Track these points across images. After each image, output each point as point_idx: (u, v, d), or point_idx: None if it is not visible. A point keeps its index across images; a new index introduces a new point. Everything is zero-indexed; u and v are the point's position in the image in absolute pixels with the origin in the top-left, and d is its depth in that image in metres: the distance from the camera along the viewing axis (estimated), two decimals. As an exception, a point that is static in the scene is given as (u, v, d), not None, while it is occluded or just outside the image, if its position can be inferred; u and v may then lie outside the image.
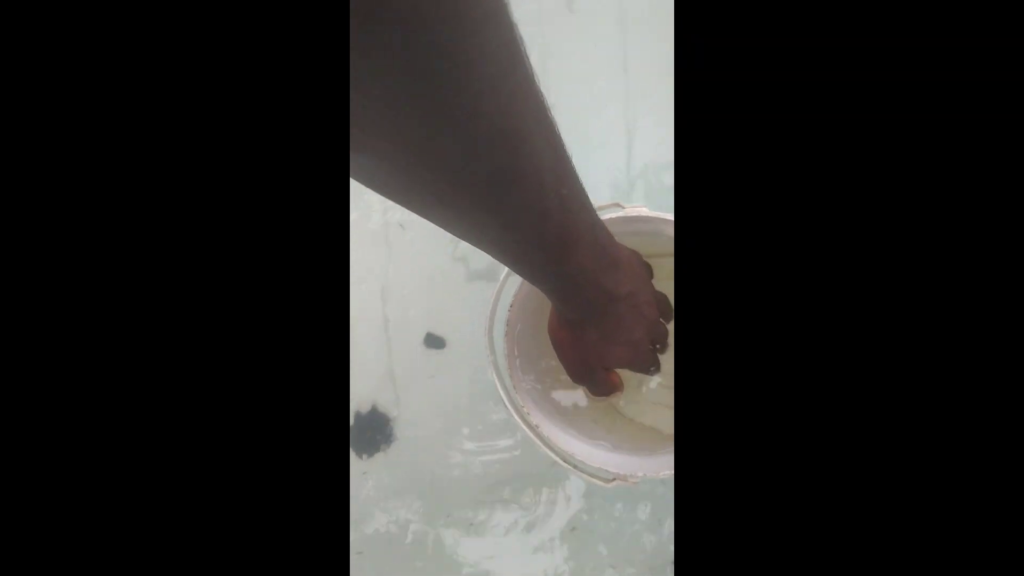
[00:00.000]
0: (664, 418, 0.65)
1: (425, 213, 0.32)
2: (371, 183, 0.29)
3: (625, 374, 0.56)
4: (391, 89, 0.22)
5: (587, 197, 0.37)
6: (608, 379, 0.52)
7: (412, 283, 0.75)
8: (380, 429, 0.74)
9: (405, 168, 0.27)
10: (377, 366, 0.74)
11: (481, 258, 0.76)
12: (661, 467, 0.54)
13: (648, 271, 0.49)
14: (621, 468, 0.55)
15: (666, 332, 0.52)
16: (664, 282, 0.53)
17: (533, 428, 0.56)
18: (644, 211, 0.55)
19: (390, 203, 0.46)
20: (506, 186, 0.30)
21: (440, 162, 0.27)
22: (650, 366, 0.52)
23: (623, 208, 0.56)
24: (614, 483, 0.55)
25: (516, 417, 0.56)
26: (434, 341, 0.74)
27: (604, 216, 0.56)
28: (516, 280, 0.57)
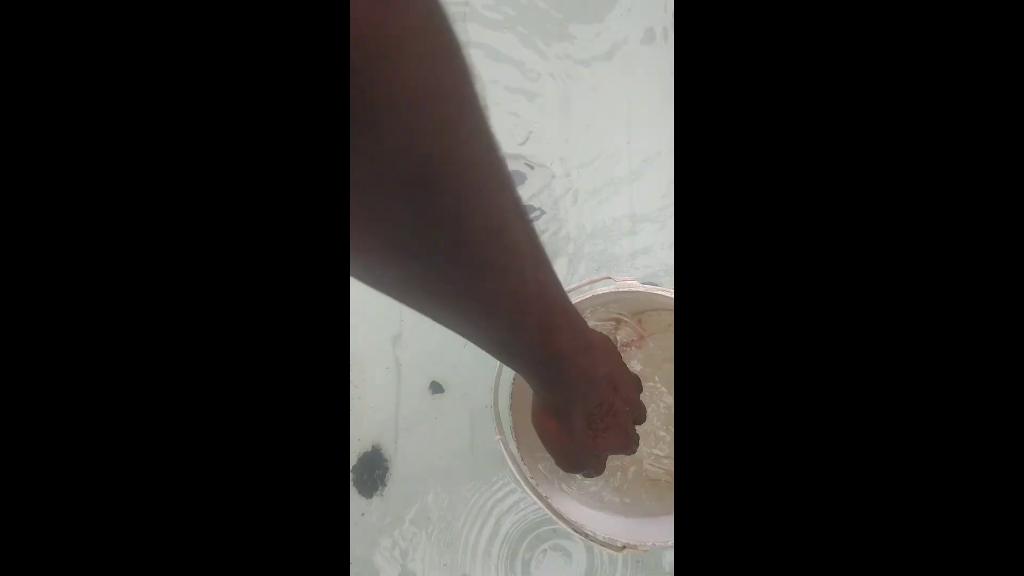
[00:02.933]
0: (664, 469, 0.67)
1: (411, 302, 0.34)
2: (362, 277, 0.31)
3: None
4: (385, 193, 0.25)
5: (560, 284, 0.39)
6: (601, 464, 0.52)
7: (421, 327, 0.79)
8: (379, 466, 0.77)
9: (395, 262, 0.29)
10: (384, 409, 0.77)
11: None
12: (671, 534, 0.56)
13: (617, 354, 0.50)
14: (631, 536, 0.56)
15: (644, 410, 0.53)
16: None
17: (543, 499, 0.57)
18: (635, 284, 0.58)
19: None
20: (489, 275, 0.32)
21: (429, 258, 0.29)
22: (634, 445, 0.52)
23: (614, 281, 0.59)
24: (624, 551, 0.56)
25: (528, 491, 0.58)
26: (438, 386, 0.78)
27: (596, 290, 0.59)
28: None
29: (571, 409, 0.45)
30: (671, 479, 0.68)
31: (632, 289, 0.57)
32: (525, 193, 0.87)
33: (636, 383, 0.52)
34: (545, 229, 0.85)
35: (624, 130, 0.88)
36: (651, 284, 0.60)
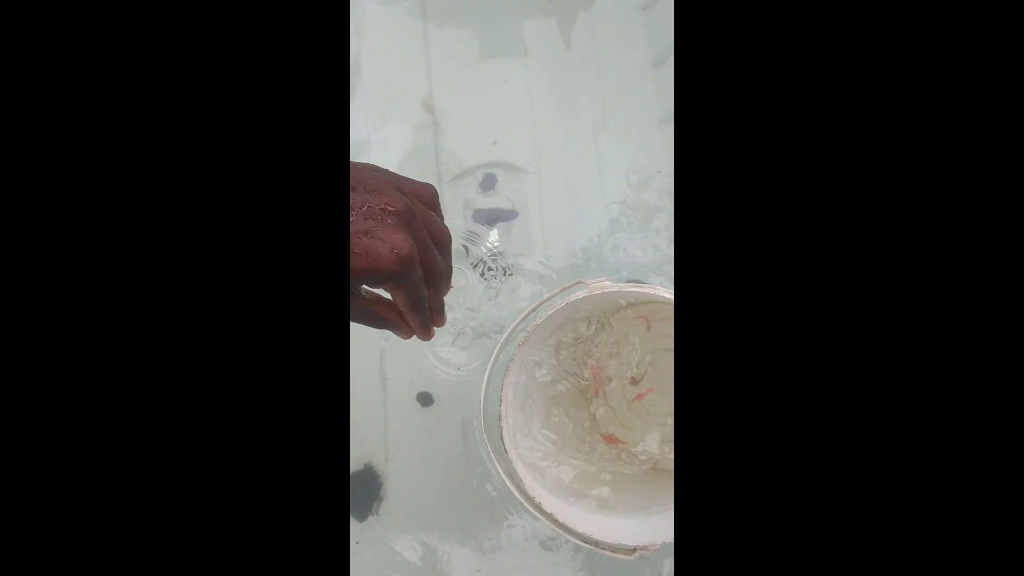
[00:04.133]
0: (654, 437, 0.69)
1: None
2: None
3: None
4: None
5: None
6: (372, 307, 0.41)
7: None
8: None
9: None
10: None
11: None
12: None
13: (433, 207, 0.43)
14: (639, 537, 0.56)
15: (448, 234, 0.44)
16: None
17: (548, 516, 0.57)
18: (607, 285, 0.58)
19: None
20: None
21: None
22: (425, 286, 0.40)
23: (587, 285, 0.59)
24: (636, 554, 0.56)
25: (531, 508, 0.57)
26: (427, 398, 0.78)
27: (570, 298, 0.58)
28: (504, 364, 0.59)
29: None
30: (663, 465, 0.68)
31: (605, 290, 0.57)
32: (497, 196, 0.87)
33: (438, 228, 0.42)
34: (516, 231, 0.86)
35: (591, 128, 0.89)
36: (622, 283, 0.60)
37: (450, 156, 0.90)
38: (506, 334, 0.61)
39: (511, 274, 0.85)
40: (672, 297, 0.55)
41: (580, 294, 0.58)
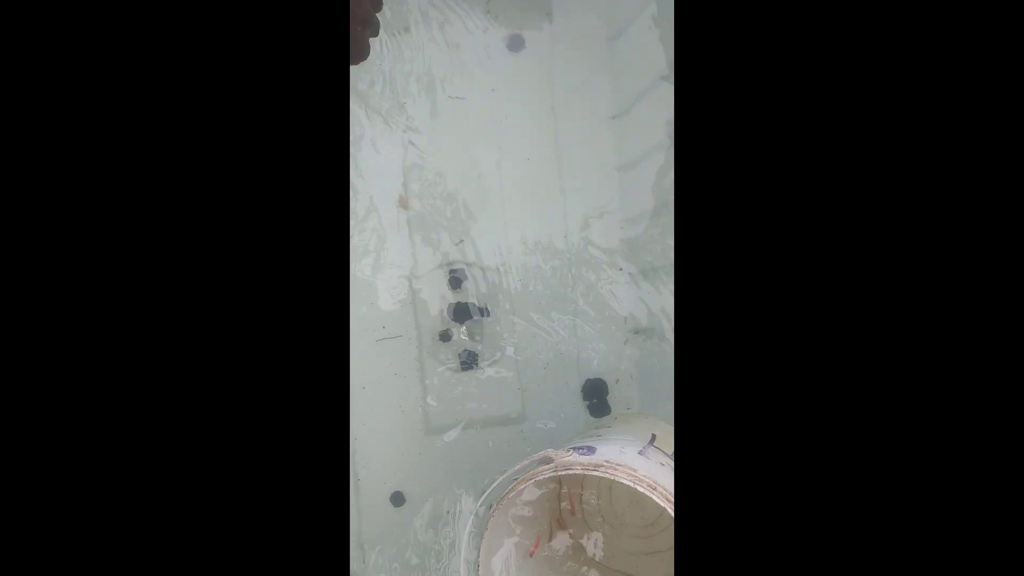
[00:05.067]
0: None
1: None
2: None
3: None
4: None
5: None
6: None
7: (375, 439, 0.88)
8: None
9: None
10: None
11: (440, 414, 0.85)
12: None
13: None
14: None
15: None
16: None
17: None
18: (572, 457, 0.61)
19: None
20: None
21: None
22: None
23: (552, 459, 0.62)
24: None
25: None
26: (399, 498, 0.87)
27: (538, 475, 0.62)
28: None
29: None
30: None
31: (571, 472, 0.61)
32: (463, 295, 0.90)
33: None
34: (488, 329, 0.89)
35: (561, 219, 0.90)
36: (588, 449, 0.63)
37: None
38: (483, 496, 0.65)
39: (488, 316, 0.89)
40: (629, 483, 0.58)
41: (546, 470, 0.61)
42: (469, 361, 0.90)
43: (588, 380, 0.91)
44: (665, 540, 0.76)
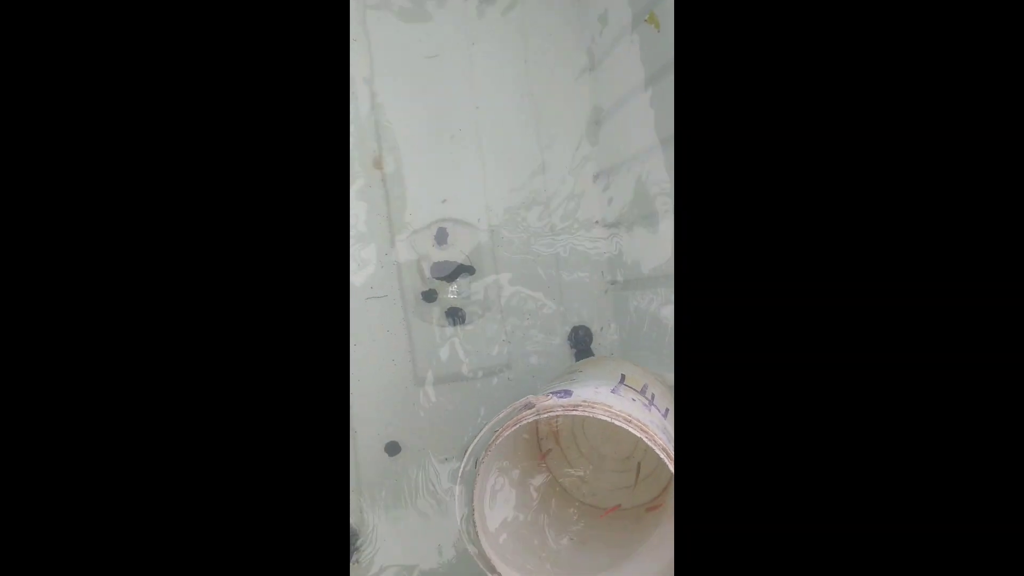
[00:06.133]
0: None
1: None
2: None
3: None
4: None
5: None
6: None
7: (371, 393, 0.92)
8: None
9: None
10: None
11: (441, 367, 0.89)
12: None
13: None
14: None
15: None
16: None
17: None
18: (552, 401, 0.65)
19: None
20: None
21: None
22: None
23: (534, 404, 0.66)
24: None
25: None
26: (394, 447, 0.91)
27: (522, 420, 0.65)
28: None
29: None
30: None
31: (552, 413, 0.65)
32: (450, 251, 0.93)
33: None
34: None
35: (540, 173, 0.93)
36: (564, 392, 0.67)
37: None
38: (468, 452, 0.69)
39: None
40: (606, 418, 0.62)
41: (528, 415, 0.65)
42: (455, 316, 0.94)
43: (573, 328, 0.95)
44: (641, 472, 0.81)
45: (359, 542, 0.90)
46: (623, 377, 0.74)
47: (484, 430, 0.68)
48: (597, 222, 0.95)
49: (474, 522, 0.68)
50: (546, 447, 0.85)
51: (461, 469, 0.69)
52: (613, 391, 0.68)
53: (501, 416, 0.68)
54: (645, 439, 0.61)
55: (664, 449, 0.60)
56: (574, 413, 0.64)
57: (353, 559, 0.88)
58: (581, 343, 0.95)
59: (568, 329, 0.95)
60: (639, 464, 0.82)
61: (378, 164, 0.92)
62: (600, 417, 0.62)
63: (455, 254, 0.94)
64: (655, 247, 0.83)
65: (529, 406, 0.66)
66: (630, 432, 0.61)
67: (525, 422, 0.65)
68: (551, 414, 0.64)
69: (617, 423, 0.62)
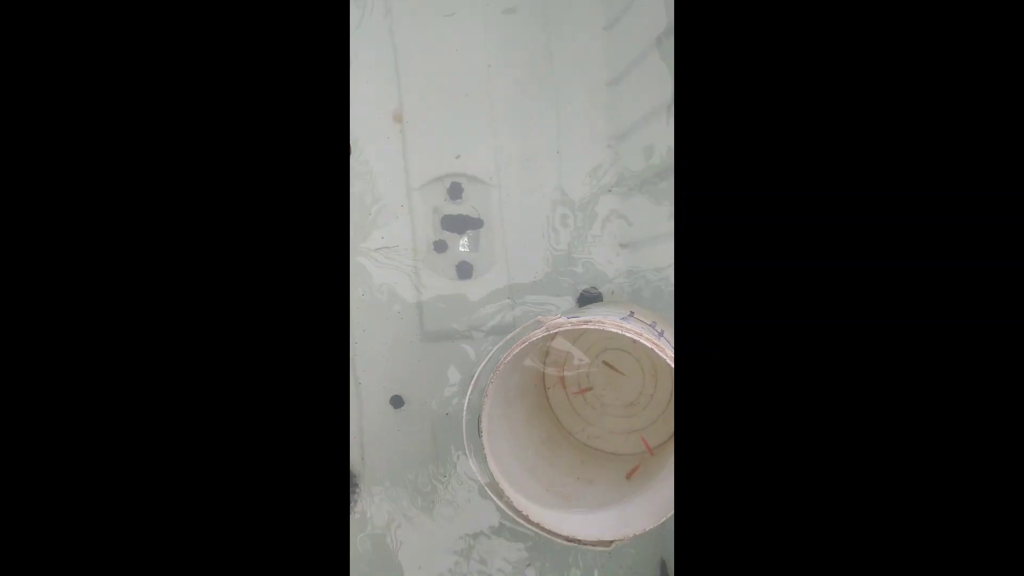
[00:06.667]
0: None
1: None
2: None
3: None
4: None
5: None
6: None
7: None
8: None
9: None
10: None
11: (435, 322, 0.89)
12: (642, 521, 0.65)
13: None
14: (615, 531, 0.66)
15: None
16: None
17: (536, 524, 0.66)
18: (561, 321, 0.65)
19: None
20: None
21: None
22: None
23: (543, 323, 0.66)
24: (613, 545, 0.66)
25: (518, 519, 0.67)
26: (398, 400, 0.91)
27: (531, 338, 0.65)
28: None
29: None
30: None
31: (561, 328, 0.64)
32: (463, 206, 0.93)
33: None
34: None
35: (554, 136, 0.94)
36: (574, 315, 0.67)
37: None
38: (476, 372, 0.69)
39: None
40: (616, 331, 0.62)
41: (539, 332, 0.65)
42: (464, 270, 0.94)
43: (583, 291, 0.95)
44: (646, 418, 0.80)
45: (358, 490, 0.89)
46: (632, 312, 0.74)
47: (495, 349, 0.68)
48: (611, 190, 0.96)
49: (482, 444, 0.67)
50: (549, 384, 0.85)
51: (467, 396, 0.68)
52: (623, 320, 0.68)
53: (508, 337, 0.68)
54: (656, 350, 0.61)
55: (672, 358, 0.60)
56: (585, 327, 0.64)
57: (354, 499, 0.87)
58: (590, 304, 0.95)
59: (579, 290, 0.95)
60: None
61: (398, 118, 0.94)
62: (609, 329, 0.62)
63: (467, 209, 0.95)
64: (664, 211, 0.84)
65: (538, 325, 0.66)
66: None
67: (535, 339, 0.65)
68: (560, 329, 0.64)
69: (628, 335, 0.62)
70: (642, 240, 0.91)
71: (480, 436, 0.67)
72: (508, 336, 0.68)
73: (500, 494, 0.66)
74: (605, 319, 0.63)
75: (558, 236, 0.95)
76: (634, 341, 0.62)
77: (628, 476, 0.77)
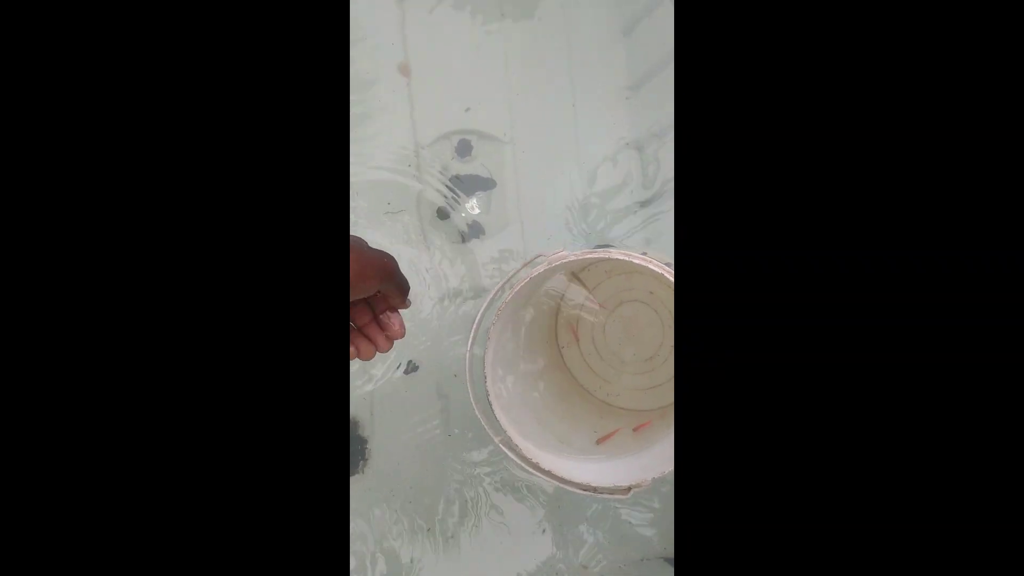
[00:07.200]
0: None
1: None
2: None
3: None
4: None
5: None
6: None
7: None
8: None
9: None
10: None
11: (448, 284, 0.88)
12: (660, 465, 0.61)
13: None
14: (631, 477, 0.61)
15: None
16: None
17: (547, 472, 0.62)
18: (563, 254, 0.62)
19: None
20: None
21: None
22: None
23: (546, 257, 0.62)
24: (631, 492, 0.61)
25: (531, 469, 0.63)
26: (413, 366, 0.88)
27: (532, 273, 0.62)
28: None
29: None
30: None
31: (564, 260, 0.61)
32: (472, 164, 0.91)
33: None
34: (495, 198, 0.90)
35: (568, 93, 0.91)
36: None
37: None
38: (480, 311, 0.65)
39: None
40: (622, 257, 0.58)
41: (540, 267, 0.62)
42: (475, 231, 0.91)
43: (597, 246, 0.91)
44: (664, 374, 0.76)
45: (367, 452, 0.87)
46: (645, 253, 0.70)
47: (497, 287, 0.64)
48: (628, 143, 0.92)
49: (486, 390, 0.64)
50: (563, 342, 0.80)
51: (470, 339, 0.65)
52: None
53: (513, 274, 0.65)
54: (665, 274, 0.57)
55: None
56: (590, 256, 0.60)
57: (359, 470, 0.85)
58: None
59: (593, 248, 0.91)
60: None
61: (404, 71, 0.92)
62: (615, 257, 0.58)
63: (477, 168, 0.92)
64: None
65: (540, 260, 0.62)
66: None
67: (539, 272, 0.61)
68: (564, 261, 0.61)
69: (635, 261, 0.58)
70: (660, 195, 0.87)
71: (485, 382, 0.64)
72: (510, 275, 0.65)
73: (508, 442, 0.63)
74: (612, 249, 0.59)
75: (571, 191, 0.91)
76: (644, 270, 0.58)
77: (635, 430, 0.73)
